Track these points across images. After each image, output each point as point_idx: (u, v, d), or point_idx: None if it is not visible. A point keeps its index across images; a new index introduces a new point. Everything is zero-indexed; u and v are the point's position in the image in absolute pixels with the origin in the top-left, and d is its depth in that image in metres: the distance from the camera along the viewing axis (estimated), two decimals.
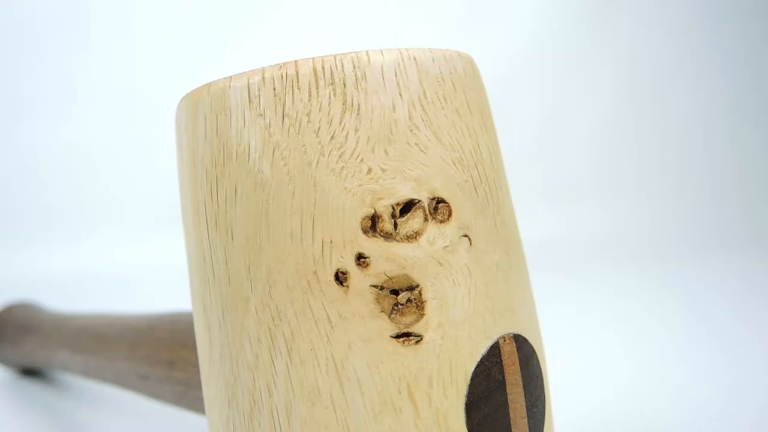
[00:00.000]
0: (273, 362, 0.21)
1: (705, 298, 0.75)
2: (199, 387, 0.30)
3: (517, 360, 0.22)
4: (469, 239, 0.22)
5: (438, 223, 0.21)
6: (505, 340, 0.22)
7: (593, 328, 0.66)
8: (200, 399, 0.30)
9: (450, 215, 0.21)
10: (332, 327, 0.20)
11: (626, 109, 1.35)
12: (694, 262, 0.96)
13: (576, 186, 1.28)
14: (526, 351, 0.23)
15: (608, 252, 1.08)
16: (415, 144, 0.21)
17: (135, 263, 1.04)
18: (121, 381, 0.38)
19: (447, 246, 0.21)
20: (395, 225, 0.21)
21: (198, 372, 0.31)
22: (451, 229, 0.21)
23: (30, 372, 0.56)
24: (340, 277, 0.20)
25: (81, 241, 1.10)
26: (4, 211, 1.12)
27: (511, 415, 0.22)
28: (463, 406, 0.21)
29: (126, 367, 0.37)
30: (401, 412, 0.20)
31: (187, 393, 0.32)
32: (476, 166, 0.23)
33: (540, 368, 0.23)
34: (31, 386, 0.55)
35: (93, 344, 0.41)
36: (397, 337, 0.20)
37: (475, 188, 0.22)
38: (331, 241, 0.20)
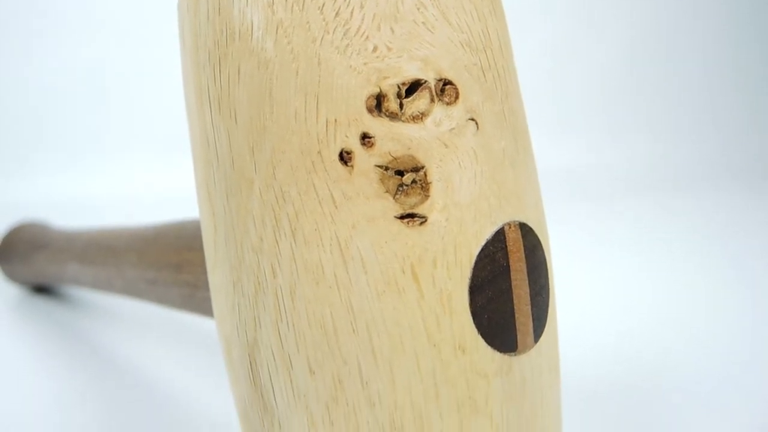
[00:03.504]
0: (277, 243, 0.21)
1: (724, 230, 0.75)
2: (205, 288, 0.30)
3: (522, 247, 0.22)
4: (476, 123, 0.21)
5: (444, 105, 0.21)
6: (510, 227, 0.22)
7: (609, 258, 0.66)
8: (207, 300, 0.30)
9: (457, 97, 0.21)
10: (336, 207, 0.20)
11: (649, 38, 1.32)
12: (714, 195, 0.96)
13: (594, 116, 1.27)
14: (531, 240, 0.22)
15: (625, 182, 1.08)
16: (422, 23, 0.21)
17: (143, 189, 1.05)
18: (130, 289, 0.39)
19: (453, 128, 0.21)
20: (401, 105, 0.20)
21: (204, 273, 0.31)
22: (457, 111, 0.21)
23: (42, 289, 0.57)
24: (345, 157, 0.20)
25: (89, 167, 1.10)
26: (9, 138, 1.12)
27: (515, 301, 0.22)
28: (467, 288, 0.21)
29: (134, 274, 0.37)
30: (405, 291, 0.20)
31: (194, 294, 0.32)
32: (485, 50, 0.22)
33: (545, 259, 0.23)
34: (43, 303, 0.56)
35: (102, 255, 0.41)
36: (402, 217, 0.20)
37: (483, 72, 0.22)
38: (336, 120, 0.20)
